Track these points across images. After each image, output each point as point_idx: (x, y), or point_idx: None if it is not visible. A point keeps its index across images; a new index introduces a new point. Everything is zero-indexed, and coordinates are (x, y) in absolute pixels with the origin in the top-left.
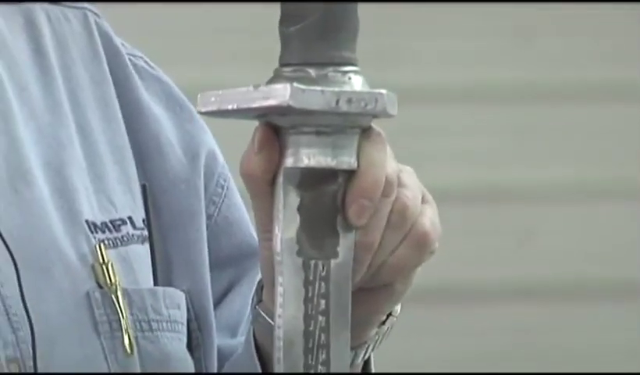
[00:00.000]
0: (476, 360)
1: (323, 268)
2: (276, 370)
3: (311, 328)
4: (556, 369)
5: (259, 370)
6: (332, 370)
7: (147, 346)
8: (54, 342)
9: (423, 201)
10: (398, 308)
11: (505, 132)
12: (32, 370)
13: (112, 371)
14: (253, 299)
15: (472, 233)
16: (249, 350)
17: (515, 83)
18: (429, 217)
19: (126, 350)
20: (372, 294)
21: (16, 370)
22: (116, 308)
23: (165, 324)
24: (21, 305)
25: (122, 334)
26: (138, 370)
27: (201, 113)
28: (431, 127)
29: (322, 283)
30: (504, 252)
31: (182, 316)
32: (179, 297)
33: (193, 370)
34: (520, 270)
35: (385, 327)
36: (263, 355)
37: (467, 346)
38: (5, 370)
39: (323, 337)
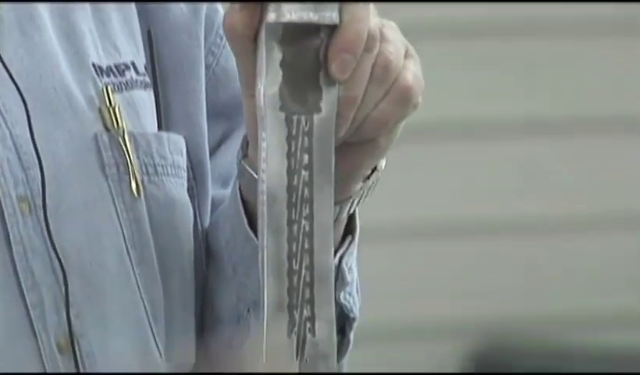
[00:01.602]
0: (488, 193)
1: (306, 123)
2: (260, 226)
3: (295, 183)
4: (563, 204)
5: (245, 225)
6: (316, 224)
7: (153, 190)
8: (62, 182)
9: (406, 55)
10: (383, 163)
11: None
12: (41, 209)
13: (120, 214)
14: (238, 154)
15: (479, 68)
16: (235, 204)
17: None
18: (412, 71)
19: (132, 193)
20: (356, 148)
21: (27, 209)
22: (123, 151)
23: (169, 169)
24: (31, 145)
25: (130, 177)
26: (145, 214)
27: None
28: None
29: (305, 138)
30: (510, 86)
31: (184, 162)
32: (182, 143)
33: (192, 216)
34: (527, 105)
35: (369, 182)
36: (249, 209)
37: (477, 180)
38: (17, 208)
39: (306, 191)
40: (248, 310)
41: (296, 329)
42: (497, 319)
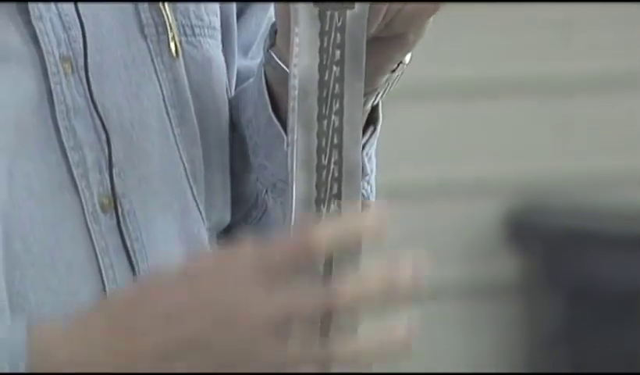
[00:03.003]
0: (523, 51)
1: (339, 18)
2: (290, 121)
3: (326, 78)
4: (599, 62)
5: (269, 108)
6: (345, 120)
7: (191, 51)
8: (103, 43)
9: None
10: (408, 57)
11: None
12: (83, 69)
13: (159, 74)
14: (265, 42)
15: None
16: (259, 87)
17: None
18: None
19: (171, 53)
20: (385, 43)
21: (69, 69)
22: (161, 12)
23: (206, 30)
24: (72, 5)
25: (168, 38)
26: (183, 74)
27: None
28: None
29: (338, 34)
30: None
31: (219, 23)
32: (216, 5)
33: (226, 78)
34: None
35: (395, 75)
36: (273, 94)
37: (512, 40)
38: (60, 68)
39: (337, 87)
40: (266, 192)
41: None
42: (533, 179)
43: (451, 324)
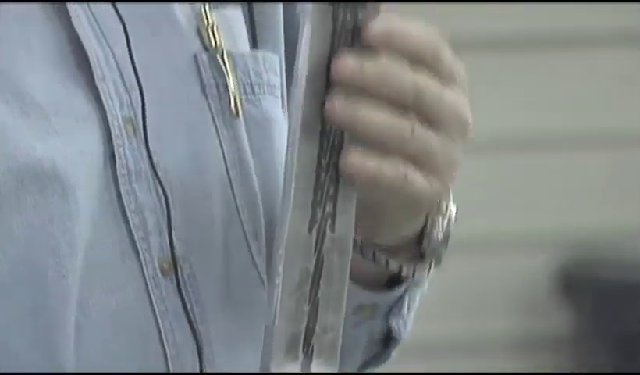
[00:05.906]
0: (573, 107)
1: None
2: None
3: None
4: None
5: None
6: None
7: (251, 109)
8: (164, 104)
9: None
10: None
11: None
12: (142, 130)
13: (220, 133)
14: None
15: None
16: None
17: None
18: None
19: (232, 112)
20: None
21: (132, 130)
22: (222, 71)
23: (265, 88)
24: (129, 64)
25: (229, 96)
26: (244, 134)
27: None
28: None
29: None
30: None
31: (278, 81)
32: (276, 62)
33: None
34: None
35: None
36: None
37: (559, 92)
38: (123, 130)
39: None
40: None
41: (317, 225)
42: (584, 232)
43: None
